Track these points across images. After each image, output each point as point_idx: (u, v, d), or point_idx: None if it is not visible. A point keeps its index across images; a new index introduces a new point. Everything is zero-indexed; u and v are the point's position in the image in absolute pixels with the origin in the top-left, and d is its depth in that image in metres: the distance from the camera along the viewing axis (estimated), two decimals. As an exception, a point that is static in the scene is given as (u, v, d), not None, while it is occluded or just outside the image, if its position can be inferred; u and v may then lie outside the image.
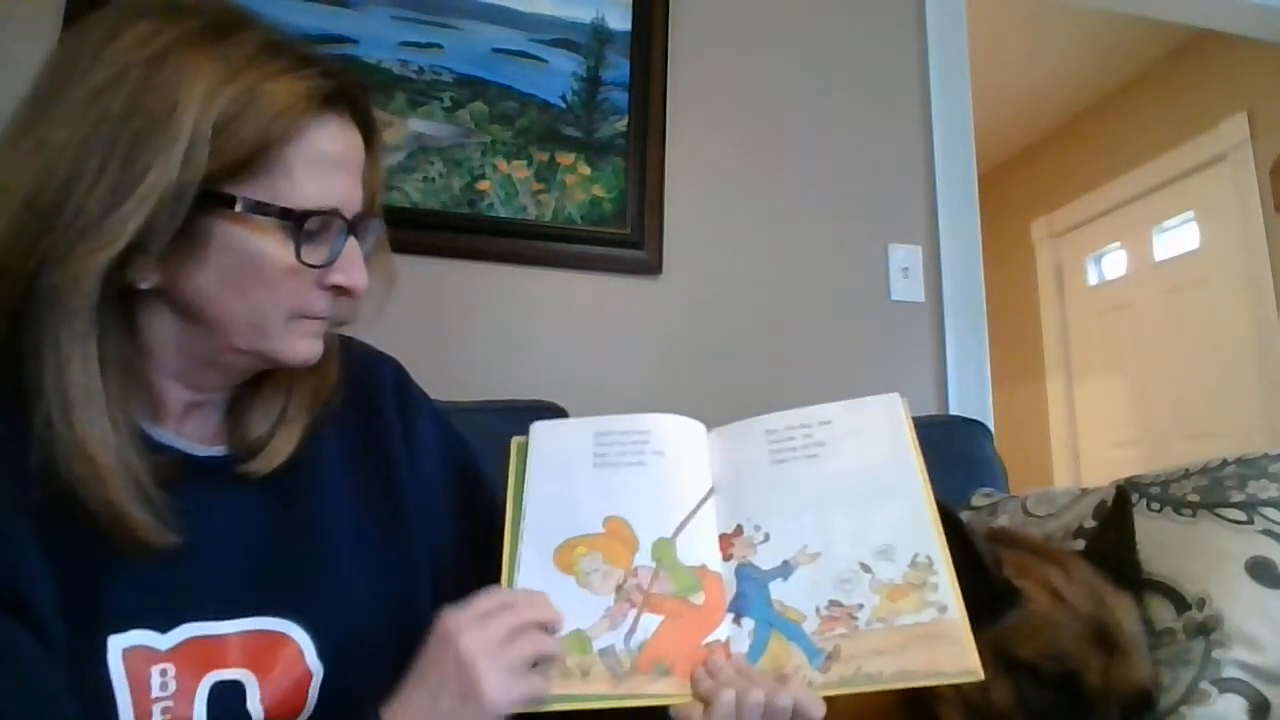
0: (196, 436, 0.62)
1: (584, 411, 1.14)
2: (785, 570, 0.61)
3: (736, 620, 0.60)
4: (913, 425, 0.66)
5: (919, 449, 0.65)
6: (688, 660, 0.58)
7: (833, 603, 0.59)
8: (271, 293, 0.56)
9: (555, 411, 1.15)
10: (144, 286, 0.54)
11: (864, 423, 0.67)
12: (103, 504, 0.52)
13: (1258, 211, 2.56)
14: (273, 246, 0.55)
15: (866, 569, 0.60)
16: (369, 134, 0.61)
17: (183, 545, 0.55)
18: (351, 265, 0.59)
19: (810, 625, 0.59)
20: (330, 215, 0.56)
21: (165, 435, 0.60)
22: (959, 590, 0.57)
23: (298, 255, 0.55)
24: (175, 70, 0.51)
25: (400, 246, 1.43)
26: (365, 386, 0.71)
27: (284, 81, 0.53)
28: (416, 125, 1.42)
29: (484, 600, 0.56)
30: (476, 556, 0.71)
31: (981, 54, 1.96)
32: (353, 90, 0.59)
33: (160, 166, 0.50)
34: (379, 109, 1.39)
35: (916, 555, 0.59)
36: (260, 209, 0.54)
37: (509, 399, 1.16)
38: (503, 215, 1.44)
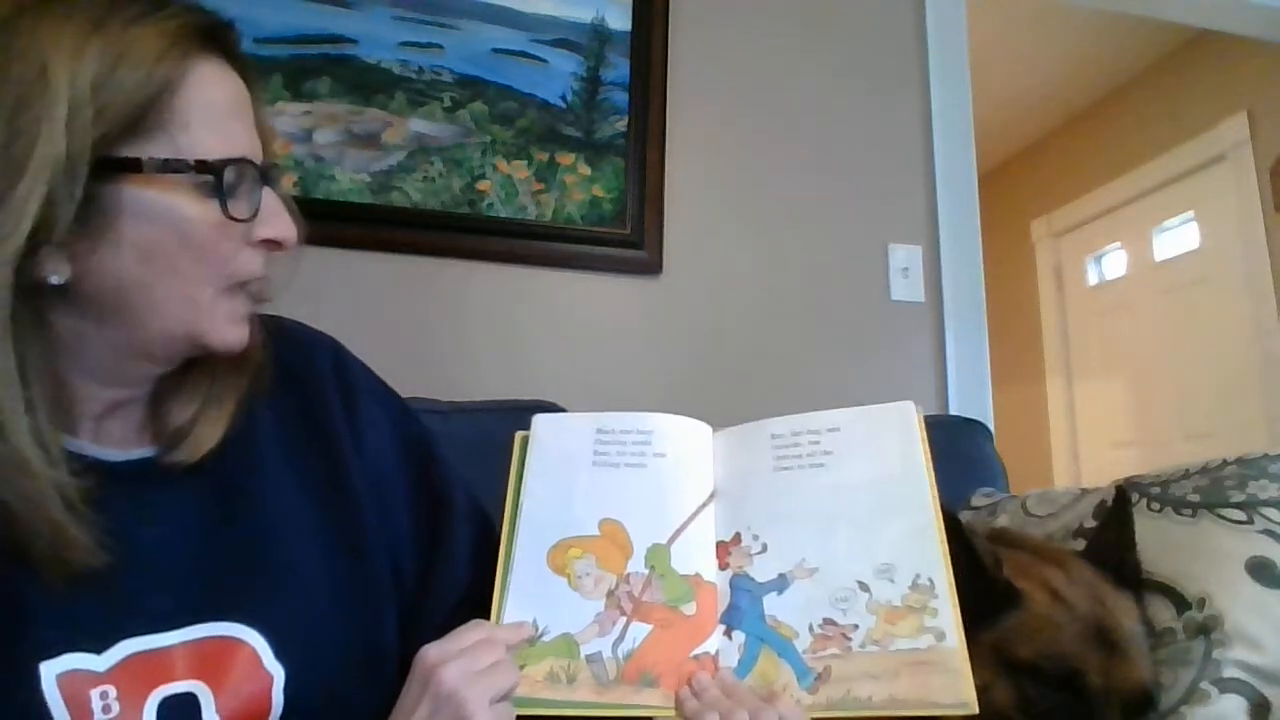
0: (117, 440, 0.58)
1: (583, 411, 1.14)
2: (781, 584, 0.60)
3: (727, 633, 0.59)
4: (926, 437, 0.64)
5: (931, 464, 0.62)
6: (675, 672, 0.57)
7: (827, 621, 0.57)
8: (200, 260, 0.52)
9: (555, 411, 1.15)
10: (55, 281, 0.49)
11: (874, 432, 0.64)
12: (45, 524, 0.48)
13: (1258, 211, 2.56)
14: (191, 206, 0.51)
15: (865, 588, 0.58)
16: (247, 78, 0.57)
17: (111, 560, 0.52)
18: (276, 215, 0.56)
19: (802, 643, 0.57)
20: (243, 164, 0.53)
21: (80, 444, 0.55)
22: (960, 617, 0.55)
23: (224, 210, 0.51)
24: (31, 30, 0.47)
25: (400, 246, 1.44)
26: (300, 368, 0.67)
27: (151, 25, 0.50)
28: (416, 125, 1.42)
29: (466, 634, 0.56)
30: (434, 535, 0.69)
31: (981, 54, 1.96)
32: (222, 29, 0.55)
33: (45, 137, 0.46)
34: (379, 109, 1.40)
35: (918, 577, 0.57)
36: (172, 166, 0.50)
37: (509, 399, 1.15)
38: (503, 215, 1.43)
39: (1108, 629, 0.70)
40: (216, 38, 0.54)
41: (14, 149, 0.46)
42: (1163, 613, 0.78)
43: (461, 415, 1.05)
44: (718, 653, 0.59)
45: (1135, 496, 0.86)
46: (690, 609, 0.60)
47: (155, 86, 0.49)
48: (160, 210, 0.50)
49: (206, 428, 0.59)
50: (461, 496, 0.72)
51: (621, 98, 1.52)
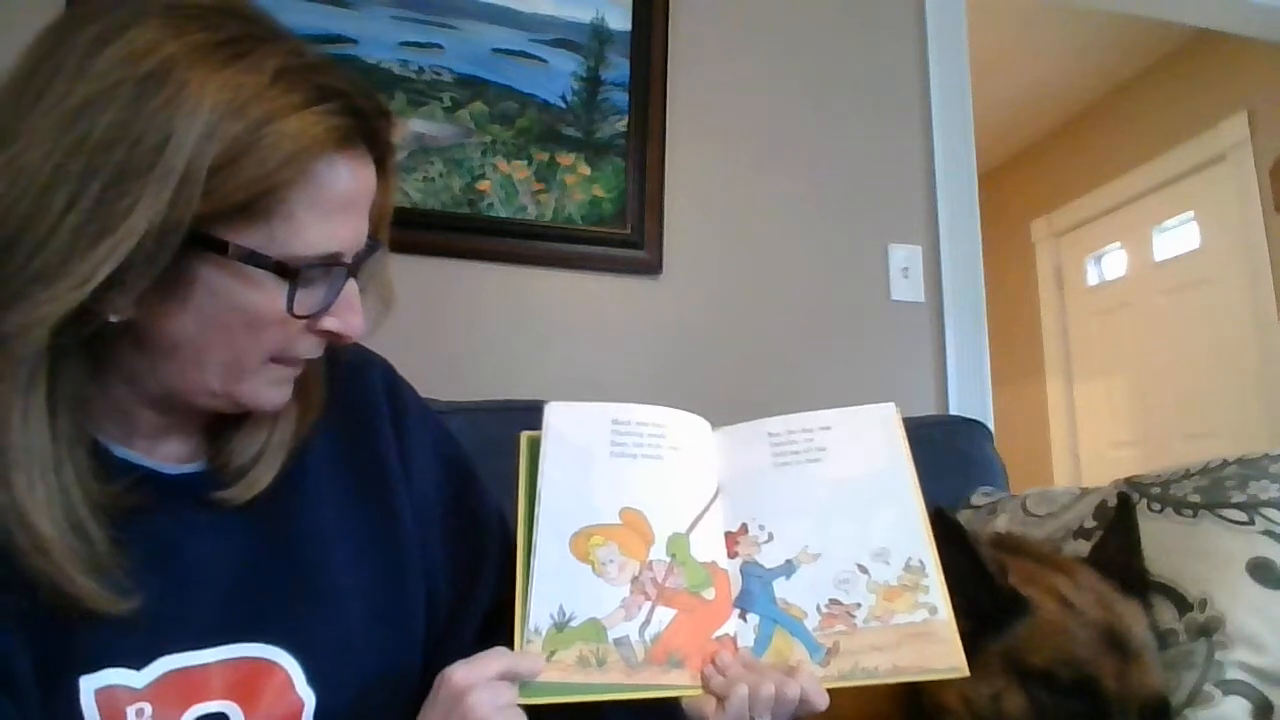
0: (172, 455, 0.58)
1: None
2: (788, 569, 0.63)
3: (742, 615, 0.63)
4: (904, 435, 0.69)
5: (910, 457, 0.68)
6: (699, 653, 0.60)
7: (833, 601, 0.62)
8: (256, 339, 0.52)
9: (555, 412, 1.14)
10: (114, 319, 0.48)
11: (862, 430, 0.69)
12: (42, 575, 0.47)
13: (1258, 211, 2.56)
14: (263, 296, 0.50)
15: (864, 570, 0.62)
16: (383, 159, 0.55)
17: (156, 574, 0.52)
18: (347, 310, 0.55)
19: (811, 622, 0.61)
20: (330, 263, 0.51)
21: (134, 455, 0.56)
22: (947, 592, 0.60)
23: (289, 308, 0.50)
24: (173, 95, 0.45)
25: (400, 246, 1.42)
26: (353, 390, 0.67)
27: (296, 120, 0.47)
28: (416, 125, 1.42)
29: (489, 662, 0.55)
30: (468, 562, 0.69)
31: (981, 54, 1.96)
32: (375, 123, 0.53)
33: (144, 207, 0.44)
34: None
35: (910, 559, 0.62)
36: (254, 260, 0.48)
37: (509, 399, 1.15)
38: (503, 215, 1.43)
39: (1119, 634, 0.69)
40: (365, 130, 0.52)
41: (103, 209, 0.44)
42: (1164, 614, 0.78)
43: (460, 415, 1.05)
44: (736, 634, 0.62)
45: (1136, 497, 0.86)
46: (710, 594, 0.63)
47: (273, 182, 0.47)
48: (231, 293, 0.50)
49: (264, 470, 0.59)
50: (494, 521, 0.72)
51: (621, 98, 1.52)
